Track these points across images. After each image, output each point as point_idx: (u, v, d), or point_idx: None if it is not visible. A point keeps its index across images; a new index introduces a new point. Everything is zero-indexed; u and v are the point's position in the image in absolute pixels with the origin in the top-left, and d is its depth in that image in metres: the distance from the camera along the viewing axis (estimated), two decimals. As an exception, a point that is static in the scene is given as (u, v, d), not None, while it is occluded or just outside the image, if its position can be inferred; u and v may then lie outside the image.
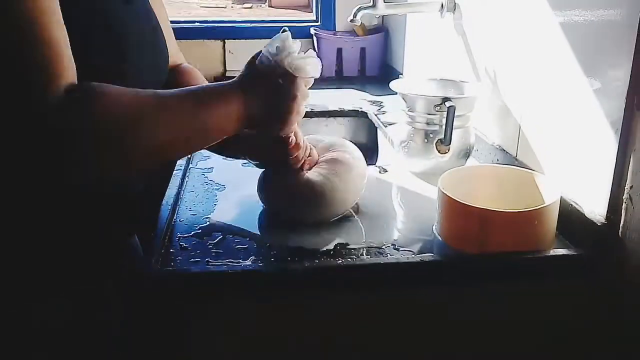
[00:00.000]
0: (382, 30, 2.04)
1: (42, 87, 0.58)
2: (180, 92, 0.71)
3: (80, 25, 0.64)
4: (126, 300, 0.76)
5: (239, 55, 2.10)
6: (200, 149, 0.88)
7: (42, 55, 0.58)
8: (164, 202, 0.95)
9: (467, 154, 1.11)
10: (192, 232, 0.87)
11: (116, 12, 0.71)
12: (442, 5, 1.35)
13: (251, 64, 0.75)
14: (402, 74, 1.83)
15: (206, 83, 0.92)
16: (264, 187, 0.93)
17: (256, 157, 0.93)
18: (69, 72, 0.60)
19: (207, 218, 0.92)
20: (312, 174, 0.89)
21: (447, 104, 1.02)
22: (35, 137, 0.59)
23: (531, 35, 0.98)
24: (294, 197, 0.89)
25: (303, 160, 0.89)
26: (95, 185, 0.69)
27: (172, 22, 0.97)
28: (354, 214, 0.95)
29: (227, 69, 2.10)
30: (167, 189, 0.99)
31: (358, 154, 0.96)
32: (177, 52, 0.95)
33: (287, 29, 0.74)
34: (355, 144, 0.99)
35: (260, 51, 0.74)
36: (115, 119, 0.61)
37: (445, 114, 1.02)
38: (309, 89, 0.77)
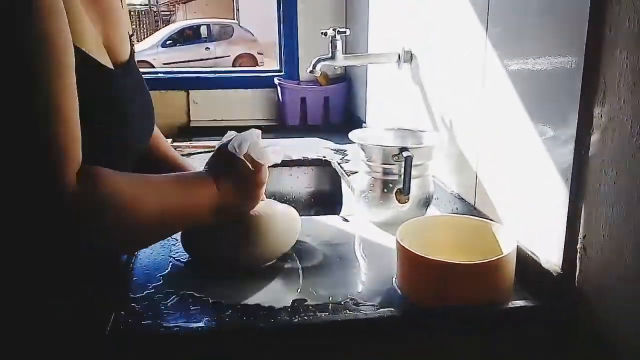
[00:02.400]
0: (345, 80, 2.07)
1: (60, 170, 0.61)
2: (165, 177, 0.80)
3: (89, 96, 0.67)
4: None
5: (203, 105, 2.10)
6: (178, 231, 0.91)
7: (63, 137, 0.61)
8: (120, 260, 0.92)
9: (427, 203, 1.11)
10: (145, 292, 0.84)
11: (119, 83, 0.78)
12: (399, 56, 1.38)
13: (219, 153, 0.84)
14: (365, 123, 1.85)
15: (166, 142, 1.08)
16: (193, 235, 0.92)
17: None
18: (80, 154, 0.64)
19: (161, 276, 0.89)
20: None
21: (405, 153, 1.02)
22: (47, 215, 0.62)
23: (483, 84, 1.00)
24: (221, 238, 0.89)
25: None
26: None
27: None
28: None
29: (191, 119, 2.10)
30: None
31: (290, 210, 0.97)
32: None
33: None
34: (319, 193, 0.99)
35: (226, 142, 0.83)
36: (120, 200, 0.67)
37: (403, 163, 1.03)
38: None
